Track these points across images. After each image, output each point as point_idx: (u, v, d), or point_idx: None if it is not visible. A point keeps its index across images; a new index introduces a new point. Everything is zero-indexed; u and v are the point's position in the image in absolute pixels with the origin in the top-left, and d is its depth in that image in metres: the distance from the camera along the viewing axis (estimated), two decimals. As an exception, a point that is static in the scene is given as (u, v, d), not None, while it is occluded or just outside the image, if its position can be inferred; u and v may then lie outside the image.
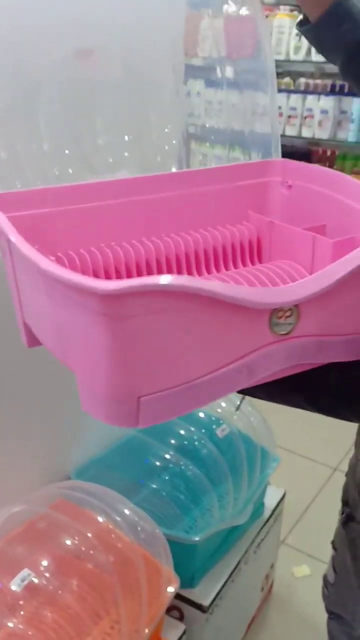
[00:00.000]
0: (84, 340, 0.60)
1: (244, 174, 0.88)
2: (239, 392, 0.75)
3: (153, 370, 0.59)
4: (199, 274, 0.85)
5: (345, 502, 1.02)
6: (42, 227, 0.75)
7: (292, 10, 3.83)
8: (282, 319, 0.64)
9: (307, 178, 0.83)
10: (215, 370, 0.62)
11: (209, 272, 0.86)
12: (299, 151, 4.03)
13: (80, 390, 0.64)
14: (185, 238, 0.83)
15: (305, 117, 3.89)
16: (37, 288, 0.65)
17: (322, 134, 3.87)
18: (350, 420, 0.72)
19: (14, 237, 0.64)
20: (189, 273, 0.84)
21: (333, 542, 1.07)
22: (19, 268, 0.69)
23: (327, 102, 3.80)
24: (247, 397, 1.50)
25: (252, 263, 0.89)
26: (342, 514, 1.02)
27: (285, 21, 3.71)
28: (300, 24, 0.97)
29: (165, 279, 0.54)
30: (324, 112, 3.82)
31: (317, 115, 3.84)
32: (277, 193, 0.88)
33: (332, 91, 3.85)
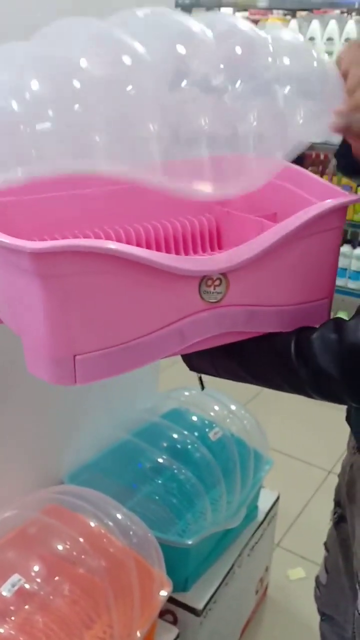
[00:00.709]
0: (25, 302, 0.64)
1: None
2: (192, 370, 0.81)
3: (87, 330, 0.63)
4: None
5: (337, 503, 1.02)
6: (4, 215, 0.78)
7: (285, 15, 3.84)
8: (211, 288, 0.69)
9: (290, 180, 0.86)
10: (148, 334, 0.67)
11: None
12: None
13: (26, 352, 0.68)
14: (147, 227, 0.86)
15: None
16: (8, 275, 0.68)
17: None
18: (287, 392, 0.74)
19: None
20: None
21: (325, 544, 1.07)
22: None
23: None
24: (242, 400, 1.50)
25: (212, 250, 0.94)
26: (334, 514, 1.02)
27: (277, 25, 3.71)
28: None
29: (86, 242, 0.59)
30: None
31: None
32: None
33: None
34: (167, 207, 0.89)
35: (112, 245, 0.61)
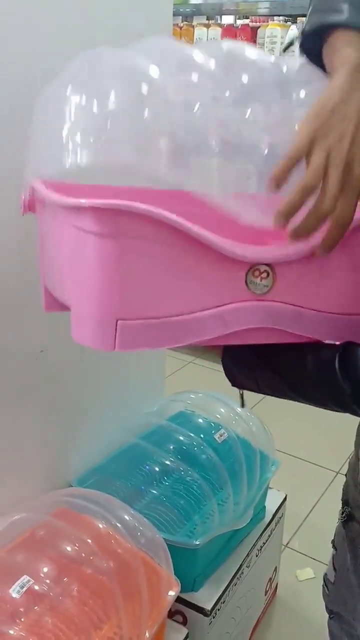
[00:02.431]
0: (77, 263, 0.66)
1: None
2: (234, 385, 0.79)
3: (132, 297, 0.64)
4: None
5: (345, 502, 1.03)
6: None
7: (285, 21, 3.86)
8: (257, 279, 0.69)
9: None
10: (191, 312, 0.67)
11: None
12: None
13: (72, 319, 0.70)
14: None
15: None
16: (52, 227, 0.73)
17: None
18: (333, 410, 0.73)
19: (40, 187, 0.72)
20: None
21: (333, 542, 1.08)
22: (44, 221, 0.77)
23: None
24: (247, 402, 1.52)
25: None
26: (342, 513, 1.03)
27: (277, 31, 3.74)
28: None
29: (145, 205, 0.60)
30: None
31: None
32: None
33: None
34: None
35: (171, 215, 0.62)
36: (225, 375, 0.79)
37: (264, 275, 0.69)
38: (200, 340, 0.71)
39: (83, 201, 0.62)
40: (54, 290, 0.81)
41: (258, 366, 0.74)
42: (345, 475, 1.05)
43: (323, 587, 1.13)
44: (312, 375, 0.71)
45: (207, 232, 0.64)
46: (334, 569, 1.07)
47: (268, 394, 0.77)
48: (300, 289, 0.71)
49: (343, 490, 1.05)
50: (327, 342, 0.74)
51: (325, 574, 1.11)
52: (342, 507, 1.03)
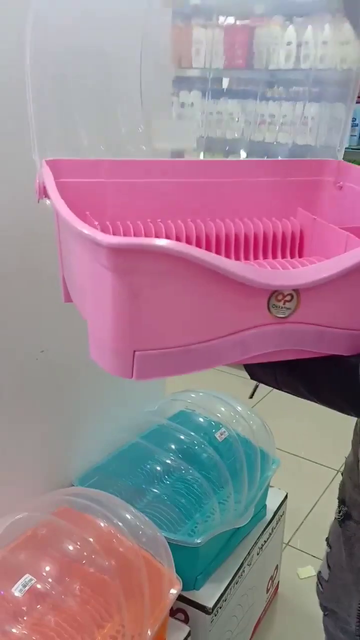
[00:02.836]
0: (96, 292, 0.65)
1: (298, 170, 0.91)
2: (253, 379, 0.79)
3: (149, 328, 0.63)
4: (237, 258, 0.88)
5: (342, 501, 1.03)
6: (94, 195, 0.82)
7: (285, 20, 3.86)
8: (281, 302, 0.67)
9: (356, 180, 0.85)
10: (210, 340, 0.66)
11: (246, 258, 0.89)
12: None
13: (90, 339, 0.69)
14: (229, 224, 0.87)
15: (295, 124, 3.91)
16: (70, 246, 0.72)
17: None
18: (350, 414, 0.73)
19: (55, 197, 0.71)
20: (226, 256, 0.86)
21: (327, 539, 1.08)
22: (61, 227, 0.77)
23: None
24: (248, 401, 1.52)
25: (292, 256, 0.92)
26: (339, 512, 1.03)
27: (277, 31, 3.74)
28: None
29: (161, 242, 0.58)
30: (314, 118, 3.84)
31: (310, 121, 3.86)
32: (327, 192, 0.91)
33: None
34: (248, 204, 0.90)
35: (190, 250, 0.61)
36: (244, 367, 0.79)
37: (288, 298, 0.67)
38: (220, 365, 0.70)
39: (101, 239, 0.59)
40: (72, 292, 0.80)
41: (279, 365, 0.73)
42: (342, 474, 1.05)
43: (317, 585, 1.13)
44: (332, 380, 0.72)
45: (227, 261, 0.63)
46: (328, 566, 1.08)
47: (286, 392, 0.77)
48: (323, 309, 0.70)
49: (339, 489, 1.05)
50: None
51: (319, 572, 1.12)
52: (339, 506, 1.04)
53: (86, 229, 0.62)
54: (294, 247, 0.92)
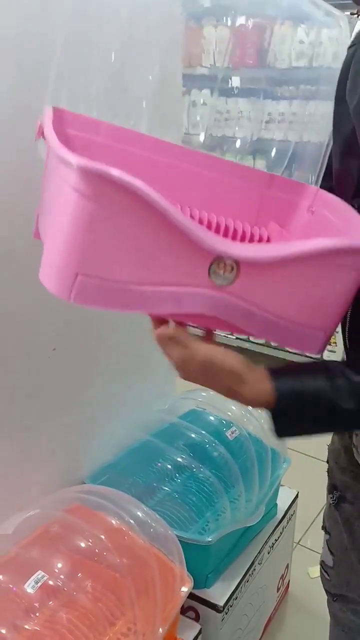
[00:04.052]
0: (59, 213, 0.70)
1: (282, 186, 0.95)
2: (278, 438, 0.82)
3: (95, 256, 0.68)
4: None
5: (333, 487, 1.05)
6: (86, 150, 0.84)
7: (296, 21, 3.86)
8: (221, 270, 0.71)
9: (331, 210, 0.89)
10: (147, 284, 0.70)
11: None
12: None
13: (42, 262, 0.73)
14: (203, 214, 0.90)
15: (307, 123, 3.90)
16: (50, 173, 0.76)
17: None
18: None
19: (48, 129, 0.75)
20: None
21: (324, 528, 1.10)
22: (48, 157, 0.80)
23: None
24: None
25: None
26: (333, 497, 1.05)
27: (288, 30, 3.73)
28: None
29: (127, 176, 0.63)
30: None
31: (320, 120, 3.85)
32: (300, 214, 0.95)
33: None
34: (228, 204, 0.95)
35: (152, 193, 0.64)
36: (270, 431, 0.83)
37: (229, 269, 0.71)
38: (150, 312, 0.75)
39: (72, 159, 0.64)
40: (40, 222, 0.84)
41: (303, 424, 0.78)
42: (327, 462, 1.07)
43: (322, 574, 1.14)
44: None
45: (183, 216, 0.67)
46: (331, 553, 1.09)
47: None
48: (258, 290, 0.74)
49: (328, 475, 1.07)
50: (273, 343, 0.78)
51: (322, 561, 1.13)
52: (331, 492, 1.05)
53: (64, 151, 0.67)
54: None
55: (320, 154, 0.93)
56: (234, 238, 0.92)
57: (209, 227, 0.90)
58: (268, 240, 0.94)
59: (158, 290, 0.71)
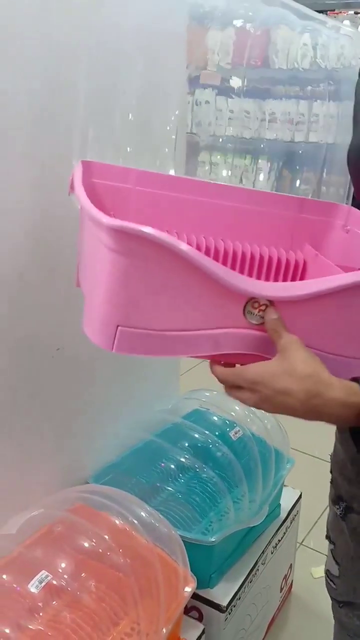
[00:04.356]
0: (95, 268, 0.74)
1: (312, 208, 0.98)
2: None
3: (134, 308, 0.71)
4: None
5: (339, 498, 1.05)
6: (120, 198, 0.90)
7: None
8: (256, 310, 0.74)
9: None
10: (187, 330, 0.74)
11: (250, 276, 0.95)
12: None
13: (84, 313, 0.78)
14: (238, 245, 0.93)
15: (312, 122, 3.91)
16: (84, 230, 0.81)
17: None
18: None
19: (78, 187, 0.79)
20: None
21: (328, 537, 1.09)
22: (81, 214, 0.83)
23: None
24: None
25: None
26: (339, 508, 1.05)
27: (292, 33, 3.74)
28: None
29: (150, 230, 0.67)
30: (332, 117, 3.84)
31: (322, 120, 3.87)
32: (335, 234, 0.98)
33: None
34: (261, 232, 0.97)
35: (180, 245, 0.68)
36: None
37: (263, 307, 0.74)
38: (191, 355, 0.77)
39: (104, 220, 0.68)
40: (81, 276, 0.88)
41: None
42: (331, 472, 1.07)
43: (327, 583, 1.14)
44: None
45: (212, 263, 0.70)
46: (337, 562, 1.09)
47: None
48: (294, 325, 0.75)
49: (333, 487, 1.07)
50: None
51: (328, 570, 1.13)
52: (337, 503, 1.05)
53: (95, 211, 0.71)
54: (295, 277, 0.98)
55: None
56: (269, 267, 0.95)
57: (243, 258, 0.93)
58: (304, 265, 0.96)
59: (196, 335, 0.74)
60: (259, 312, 0.74)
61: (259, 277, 0.96)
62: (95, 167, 0.89)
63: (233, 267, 0.93)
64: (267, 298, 0.73)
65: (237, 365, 0.78)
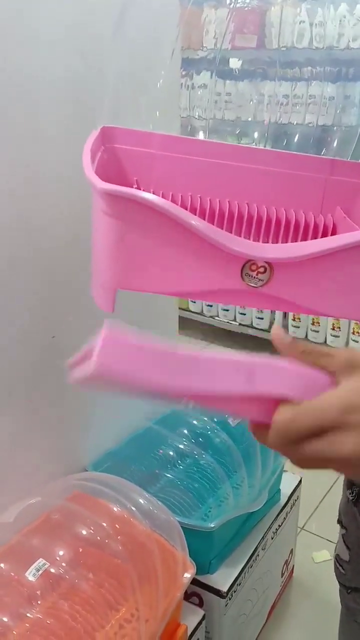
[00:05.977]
0: (96, 235, 0.75)
1: (344, 170, 0.93)
2: None
3: (131, 271, 0.72)
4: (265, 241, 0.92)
5: (351, 483, 1.04)
6: (142, 164, 0.89)
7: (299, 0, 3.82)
8: (254, 272, 0.72)
9: None
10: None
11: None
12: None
13: (92, 279, 0.79)
14: (263, 210, 0.89)
15: (309, 104, 3.89)
16: (91, 200, 0.79)
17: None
18: None
19: (86, 152, 0.78)
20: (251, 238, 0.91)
21: (340, 522, 1.08)
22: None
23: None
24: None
25: None
26: (352, 493, 1.04)
27: (289, 10, 3.70)
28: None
29: (146, 195, 0.67)
30: (331, 98, 3.81)
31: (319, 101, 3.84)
32: None
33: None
34: (289, 196, 0.93)
35: (174, 208, 0.67)
36: None
37: (261, 270, 0.72)
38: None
39: (98, 185, 0.68)
40: (94, 258, 0.90)
41: None
42: None
43: (337, 568, 1.13)
44: None
45: (207, 225, 0.68)
46: (347, 547, 1.08)
47: None
48: (295, 287, 0.74)
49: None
50: None
51: (337, 555, 1.12)
52: (350, 488, 1.04)
53: (91, 175, 0.71)
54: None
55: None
56: (295, 231, 0.91)
57: (268, 222, 0.89)
58: (334, 228, 0.92)
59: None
60: (257, 275, 0.72)
61: (285, 242, 0.92)
62: (118, 133, 0.88)
63: (257, 232, 0.90)
64: (264, 260, 0.71)
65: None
